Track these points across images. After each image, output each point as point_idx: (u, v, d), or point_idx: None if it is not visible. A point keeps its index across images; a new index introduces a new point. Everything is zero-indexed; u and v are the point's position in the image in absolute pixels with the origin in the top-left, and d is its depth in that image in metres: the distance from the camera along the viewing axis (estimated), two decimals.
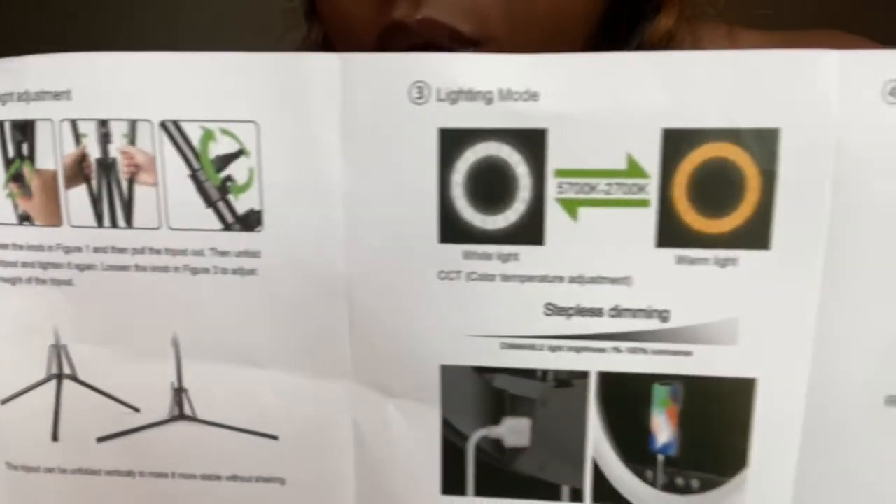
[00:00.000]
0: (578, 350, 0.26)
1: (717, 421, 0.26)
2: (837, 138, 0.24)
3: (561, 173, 0.25)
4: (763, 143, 0.24)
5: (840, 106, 0.24)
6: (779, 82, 0.24)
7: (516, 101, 0.25)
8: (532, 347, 0.26)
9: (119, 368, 0.28)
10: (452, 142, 0.25)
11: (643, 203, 0.25)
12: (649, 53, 0.24)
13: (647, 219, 0.25)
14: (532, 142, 0.25)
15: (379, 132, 0.25)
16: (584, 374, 0.26)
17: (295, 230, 0.26)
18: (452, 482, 0.28)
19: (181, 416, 0.29)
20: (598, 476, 0.27)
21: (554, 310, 0.26)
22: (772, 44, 0.47)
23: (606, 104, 0.24)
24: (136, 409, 0.29)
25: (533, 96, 0.25)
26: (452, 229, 0.26)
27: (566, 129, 0.25)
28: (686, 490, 0.27)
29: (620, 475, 0.27)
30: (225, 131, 0.26)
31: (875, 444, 0.26)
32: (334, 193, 0.26)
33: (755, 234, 0.25)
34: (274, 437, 0.29)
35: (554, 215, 0.25)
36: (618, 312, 0.26)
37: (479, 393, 0.27)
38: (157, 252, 0.27)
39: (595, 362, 0.26)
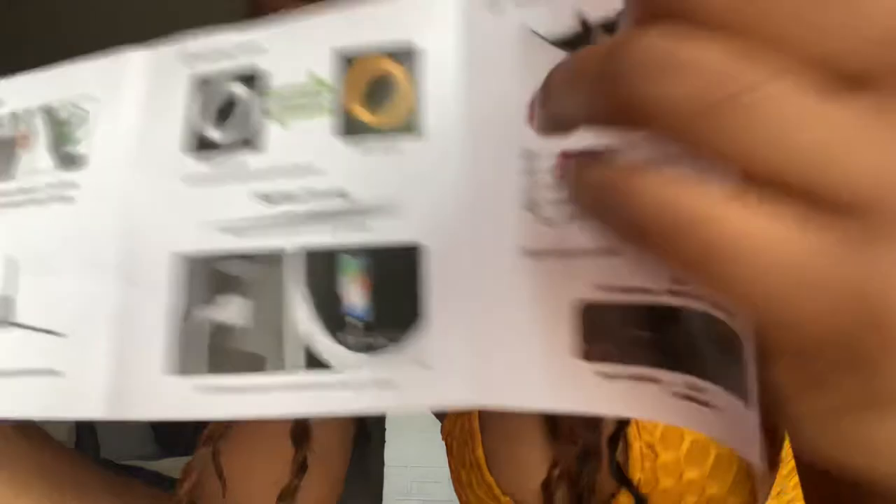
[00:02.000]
0: (280, 229, 0.32)
1: (397, 287, 0.32)
2: None
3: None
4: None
5: None
6: None
7: None
8: (242, 231, 0.32)
9: None
10: None
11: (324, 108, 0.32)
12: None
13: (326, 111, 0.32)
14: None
15: None
16: (283, 252, 0.32)
17: None
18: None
19: None
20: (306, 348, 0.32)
21: (259, 196, 0.32)
22: None
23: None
24: None
25: None
26: None
27: None
28: (378, 348, 0.32)
29: (321, 341, 0.32)
30: None
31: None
32: None
33: (411, 126, 0.32)
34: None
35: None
36: (311, 195, 0.32)
37: (202, 274, 0.32)
38: None
39: (295, 239, 0.32)
